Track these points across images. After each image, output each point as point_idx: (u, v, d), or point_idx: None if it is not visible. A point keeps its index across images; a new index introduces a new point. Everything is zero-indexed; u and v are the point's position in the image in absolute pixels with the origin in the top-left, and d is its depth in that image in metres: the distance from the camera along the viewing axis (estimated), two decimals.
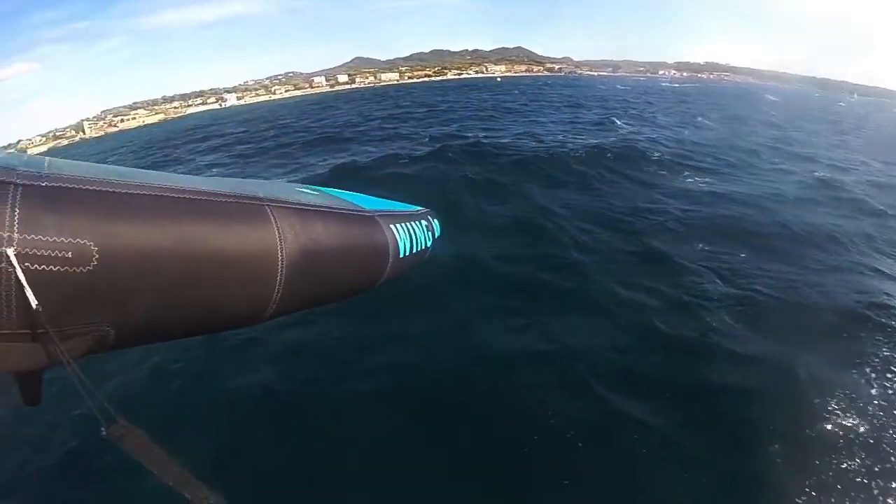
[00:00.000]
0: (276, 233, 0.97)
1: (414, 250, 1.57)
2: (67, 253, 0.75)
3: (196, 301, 0.91)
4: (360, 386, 3.99)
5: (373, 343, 4.58)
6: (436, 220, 2.00)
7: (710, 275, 5.80)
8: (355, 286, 1.33)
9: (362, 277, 1.34)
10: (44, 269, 0.74)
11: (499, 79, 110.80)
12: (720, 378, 4.00)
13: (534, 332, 4.66)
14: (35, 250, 0.73)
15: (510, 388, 3.91)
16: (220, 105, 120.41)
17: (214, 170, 14.92)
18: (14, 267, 0.71)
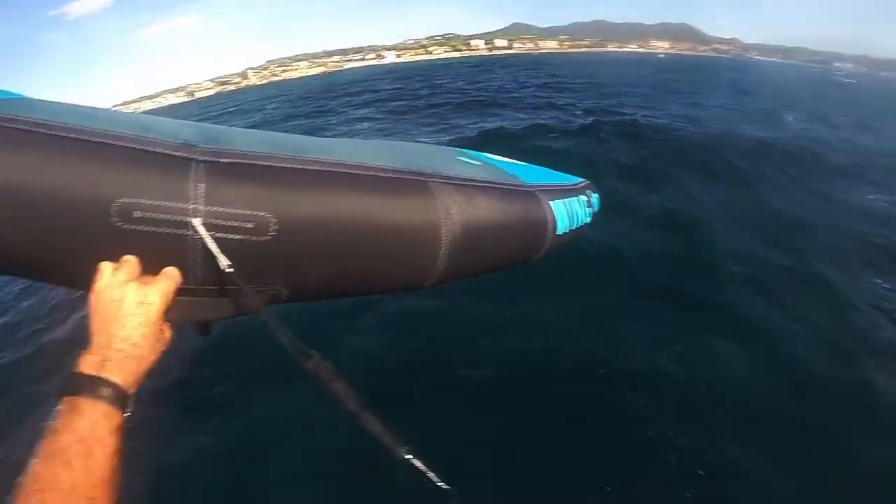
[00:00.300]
0: (440, 209, 0.99)
1: (572, 227, 1.53)
2: (249, 224, 0.83)
3: (361, 270, 0.98)
4: (471, 372, 3.76)
5: (494, 326, 4.29)
6: (595, 195, 1.91)
7: (886, 320, 4.75)
8: (512, 261, 1.34)
9: (520, 253, 1.35)
10: (227, 237, 0.82)
11: (661, 55, 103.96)
12: (880, 454, 3.12)
13: (666, 348, 4.09)
14: (220, 220, 0.81)
15: (627, 408, 3.49)
16: (379, 61, 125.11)
17: (365, 124, 15.31)
18: (201, 235, 0.79)
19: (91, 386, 0.69)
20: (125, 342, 0.76)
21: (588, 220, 1.71)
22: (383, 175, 0.96)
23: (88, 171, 0.77)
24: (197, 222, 0.79)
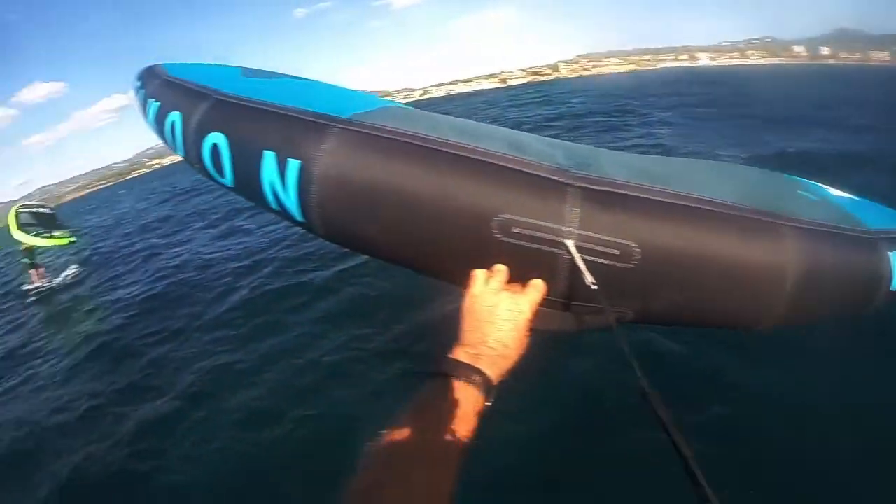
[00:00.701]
0: (787, 253, 0.97)
1: None
2: (616, 251, 0.87)
3: (705, 304, 0.99)
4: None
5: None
6: None
7: None
8: (842, 311, 1.28)
9: (849, 307, 1.26)
10: (594, 261, 0.87)
11: None
12: None
13: None
14: (589, 245, 0.87)
15: None
16: (692, 63, 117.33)
17: (665, 129, 14.78)
18: (572, 255, 0.86)
19: (466, 372, 0.79)
20: (498, 343, 0.86)
21: None
22: (738, 214, 0.96)
23: (475, 186, 0.87)
24: (570, 243, 0.86)
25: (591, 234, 0.86)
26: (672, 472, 0.55)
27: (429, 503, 0.62)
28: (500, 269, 0.91)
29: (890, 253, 1.17)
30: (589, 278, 0.84)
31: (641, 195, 0.90)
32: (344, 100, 1.14)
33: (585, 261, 0.86)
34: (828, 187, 1.57)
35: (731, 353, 3.84)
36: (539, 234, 0.86)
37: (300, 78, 1.49)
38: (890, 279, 1.17)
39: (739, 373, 3.72)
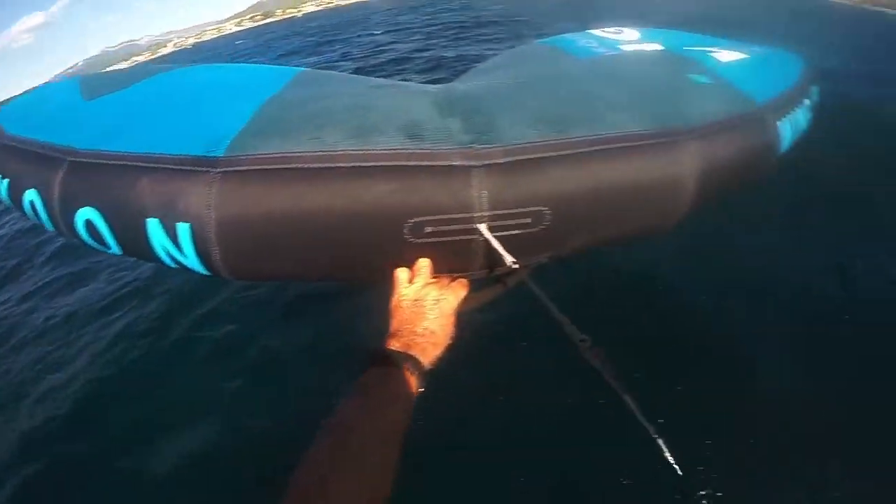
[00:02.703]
0: (686, 164, 1.02)
1: (792, 142, 1.47)
2: (527, 219, 0.90)
3: (614, 230, 1.04)
4: None
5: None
6: (815, 88, 1.75)
7: None
8: (738, 188, 1.33)
9: (746, 181, 1.34)
10: (507, 234, 0.90)
11: None
12: None
13: None
14: (501, 221, 0.89)
15: None
16: None
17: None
18: (486, 238, 0.88)
19: (399, 358, 0.84)
20: (426, 331, 0.91)
21: (809, 124, 1.63)
22: (639, 143, 0.98)
23: (378, 196, 0.85)
24: (483, 227, 0.88)
25: (502, 211, 0.88)
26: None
27: (372, 492, 0.66)
28: (422, 266, 0.96)
29: (779, 122, 1.32)
30: (508, 259, 0.88)
31: (543, 155, 0.91)
32: (219, 114, 1.04)
33: (499, 237, 0.89)
34: (717, 52, 1.59)
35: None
36: (452, 228, 0.88)
37: (149, 78, 1.35)
38: (780, 146, 1.32)
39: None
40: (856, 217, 3.78)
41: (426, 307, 0.94)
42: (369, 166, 0.86)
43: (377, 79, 1.38)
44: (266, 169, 0.85)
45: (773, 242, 3.42)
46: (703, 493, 1.94)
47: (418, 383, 0.84)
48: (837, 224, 3.69)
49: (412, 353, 0.87)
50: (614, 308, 2.88)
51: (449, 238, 0.89)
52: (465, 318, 1.01)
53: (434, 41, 11.73)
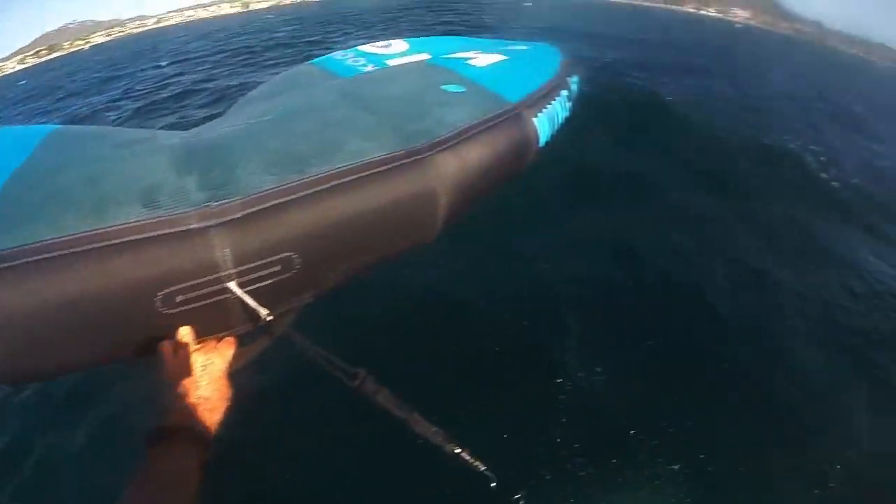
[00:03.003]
0: (437, 177, 1.04)
1: (553, 132, 1.53)
2: (276, 267, 0.91)
3: (372, 255, 1.05)
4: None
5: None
6: (575, 79, 1.84)
7: None
8: (500, 185, 1.36)
9: (508, 176, 1.36)
10: (260, 285, 0.91)
11: (738, 25, 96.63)
12: None
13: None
14: (250, 275, 0.89)
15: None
16: None
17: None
18: (238, 295, 0.88)
19: (178, 433, 0.82)
20: (200, 399, 0.90)
21: (568, 114, 1.69)
22: (382, 168, 0.98)
23: (119, 276, 0.82)
24: (232, 285, 0.88)
25: (248, 265, 0.88)
26: None
27: None
28: (183, 335, 0.93)
29: (535, 118, 1.39)
30: (262, 312, 0.89)
31: (282, 200, 0.90)
32: None
33: (252, 290, 0.89)
34: (476, 57, 1.62)
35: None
36: (203, 292, 0.86)
37: None
38: (538, 139, 1.39)
39: None
40: (633, 199, 4.40)
41: (196, 375, 0.92)
42: (109, 245, 0.83)
43: (127, 131, 1.33)
44: (8, 267, 0.80)
45: (548, 241, 3.71)
46: (524, 491, 2.06)
47: (203, 453, 0.82)
48: (614, 208, 4.23)
49: (190, 424, 0.85)
50: (403, 329, 2.93)
51: (202, 302, 0.88)
52: (238, 377, 1.00)
53: (221, 69, 11.40)
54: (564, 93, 1.68)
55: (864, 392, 2.81)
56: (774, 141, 7.26)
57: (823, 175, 6.44)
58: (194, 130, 1.35)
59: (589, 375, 2.64)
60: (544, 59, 1.83)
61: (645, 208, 4.30)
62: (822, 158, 6.88)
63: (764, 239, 4.20)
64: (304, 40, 13.61)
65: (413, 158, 1.03)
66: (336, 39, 12.99)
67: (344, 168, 0.95)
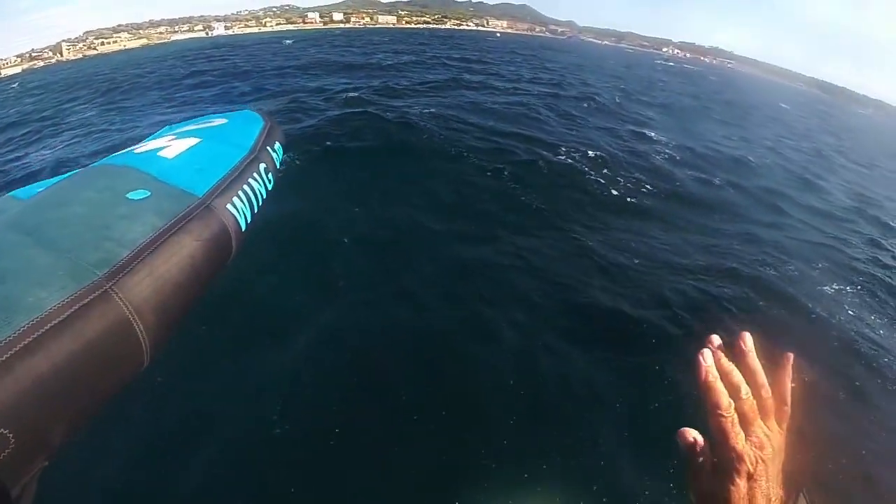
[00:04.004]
0: (127, 304, 0.98)
1: (255, 211, 1.48)
2: None
3: (92, 403, 0.96)
4: None
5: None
6: (277, 146, 1.80)
7: None
8: (209, 280, 1.28)
9: (213, 270, 1.29)
10: None
11: (499, 34, 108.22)
12: None
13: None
14: None
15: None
16: (208, 34, 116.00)
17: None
18: None
19: None
20: None
21: (271, 187, 1.64)
22: (70, 311, 0.91)
23: None
24: None
25: None
26: None
27: None
28: None
29: (227, 205, 1.32)
30: None
31: None
32: None
33: None
34: (168, 145, 1.54)
35: None
36: None
37: None
38: (238, 226, 1.33)
39: None
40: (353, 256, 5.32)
41: None
42: None
43: None
44: None
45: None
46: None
47: None
48: (317, 270, 5.03)
49: None
50: None
51: None
52: None
53: None
54: (263, 166, 1.63)
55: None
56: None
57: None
58: None
59: None
60: (242, 132, 1.76)
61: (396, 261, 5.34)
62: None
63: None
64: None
65: (98, 293, 0.95)
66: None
67: (26, 327, 0.87)
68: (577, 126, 12.60)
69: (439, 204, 6.66)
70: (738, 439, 0.65)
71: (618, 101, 18.36)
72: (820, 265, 6.93)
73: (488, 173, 7.96)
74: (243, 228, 1.37)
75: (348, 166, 7.63)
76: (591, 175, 8.73)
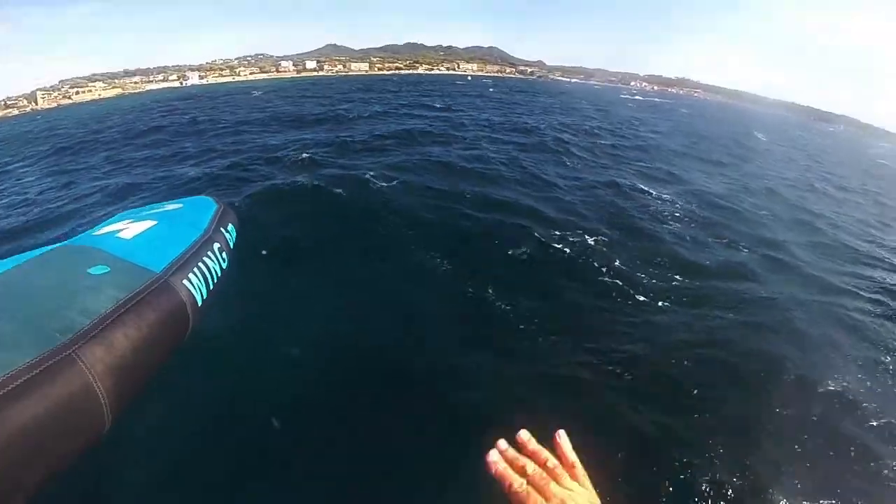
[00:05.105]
0: (89, 373, 0.98)
1: (210, 287, 1.51)
2: None
3: (53, 465, 0.92)
4: None
5: None
6: (230, 227, 1.86)
7: None
8: (169, 349, 1.29)
9: (172, 341, 1.30)
10: None
11: (469, 77, 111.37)
12: None
13: None
14: None
15: None
16: (182, 83, 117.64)
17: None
18: None
19: None
20: None
21: (226, 265, 1.68)
22: (31, 374, 0.90)
23: None
24: None
25: None
26: None
27: None
28: None
29: (184, 281, 1.35)
30: None
31: None
32: None
33: None
34: (125, 228, 1.60)
35: None
36: None
37: None
38: (195, 300, 1.35)
39: None
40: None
41: None
42: None
43: None
44: None
45: None
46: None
47: None
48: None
49: None
50: None
51: None
52: None
53: None
54: (217, 245, 1.68)
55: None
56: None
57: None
58: None
59: None
60: (197, 215, 1.82)
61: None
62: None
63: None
64: None
65: (58, 357, 0.97)
66: None
67: None
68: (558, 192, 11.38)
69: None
70: (537, 502, 0.83)
71: (597, 153, 17.31)
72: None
73: (438, 259, 7.07)
74: (199, 304, 1.41)
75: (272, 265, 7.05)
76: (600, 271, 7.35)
